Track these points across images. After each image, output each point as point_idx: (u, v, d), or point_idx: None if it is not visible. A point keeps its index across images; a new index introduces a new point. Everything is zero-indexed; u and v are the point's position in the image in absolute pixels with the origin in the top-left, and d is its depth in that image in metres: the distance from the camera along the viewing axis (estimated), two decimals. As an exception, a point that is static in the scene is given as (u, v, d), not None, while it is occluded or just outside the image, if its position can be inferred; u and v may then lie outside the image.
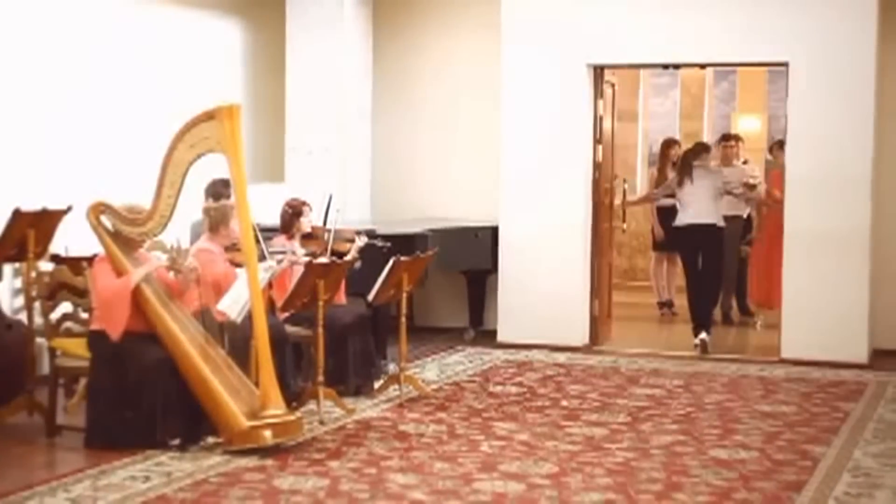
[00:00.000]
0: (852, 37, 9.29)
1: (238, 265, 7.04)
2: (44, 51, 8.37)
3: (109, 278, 6.58)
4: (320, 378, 7.17)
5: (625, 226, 12.55)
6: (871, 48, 9.32)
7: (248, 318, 6.66)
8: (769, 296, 11.09)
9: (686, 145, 12.49)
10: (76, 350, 6.87)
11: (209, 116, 6.51)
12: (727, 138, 11.81)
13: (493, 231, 10.27)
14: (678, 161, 10.74)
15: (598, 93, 10.15)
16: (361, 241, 8.21)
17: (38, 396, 6.98)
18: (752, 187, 10.74)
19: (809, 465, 6.31)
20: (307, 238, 8.10)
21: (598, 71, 10.14)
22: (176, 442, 6.42)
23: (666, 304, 12.11)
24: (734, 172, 10.91)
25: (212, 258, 7.10)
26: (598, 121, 10.18)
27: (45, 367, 7.26)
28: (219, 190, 7.43)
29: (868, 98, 9.32)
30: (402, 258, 7.68)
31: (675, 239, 10.69)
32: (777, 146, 11.56)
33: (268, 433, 6.35)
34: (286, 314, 7.50)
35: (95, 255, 6.81)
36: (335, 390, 7.43)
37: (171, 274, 6.79)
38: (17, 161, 8.08)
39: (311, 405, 7.19)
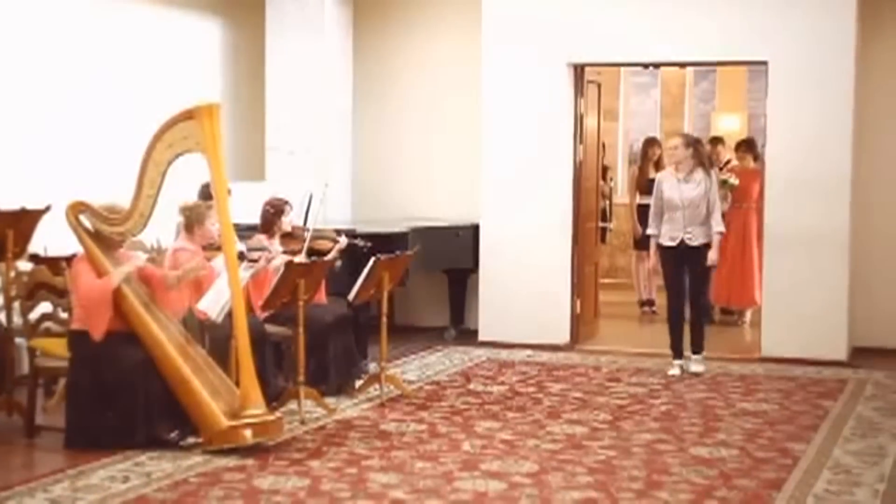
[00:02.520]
0: (831, 36, 9.32)
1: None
2: (21, 51, 8.34)
3: (90, 279, 6.55)
4: (301, 377, 7.16)
5: (611, 225, 12.62)
6: (850, 47, 9.35)
7: (228, 317, 6.65)
8: (738, 296, 11.10)
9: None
10: (56, 350, 6.84)
11: (188, 116, 6.48)
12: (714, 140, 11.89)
13: (475, 230, 10.27)
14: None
15: (579, 91, 10.16)
16: (343, 243, 8.20)
17: (18, 396, 6.96)
18: (724, 182, 10.73)
19: (789, 463, 6.33)
20: (286, 237, 8.09)
21: (579, 70, 10.14)
22: (174, 435, 6.42)
23: (647, 303, 12.13)
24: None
25: (190, 258, 7.07)
26: (579, 119, 10.18)
27: (24, 368, 7.22)
28: (209, 192, 7.40)
29: (847, 97, 9.36)
30: (383, 257, 7.68)
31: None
32: (744, 147, 11.40)
33: (248, 433, 6.33)
34: (266, 313, 7.48)
35: (75, 255, 6.78)
36: (316, 390, 7.42)
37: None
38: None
39: (292, 405, 7.18)
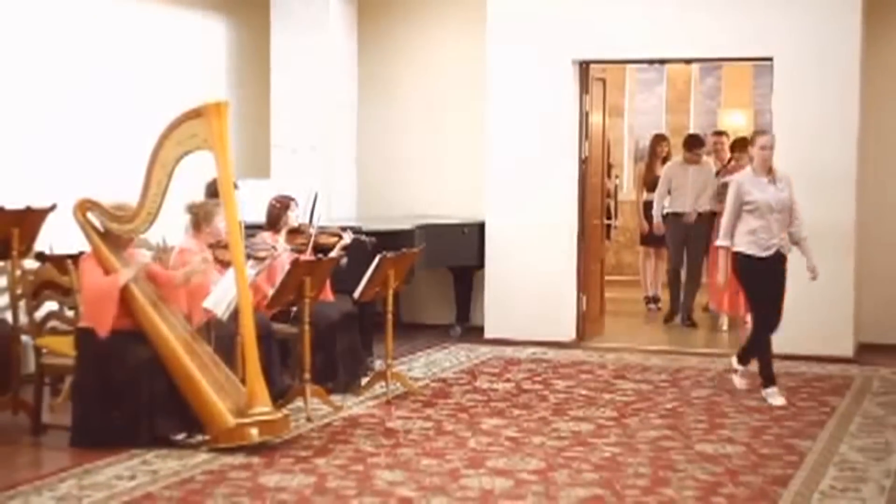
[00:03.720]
0: (837, 32, 9.31)
1: (221, 262, 7.05)
2: (27, 49, 8.34)
3: (97, 276, 6.56)
4: (307, 375, 7.16)
5: (616, 222, 12.61)
6: (856, 44, 9.34)
7: (234, 314, 6.65)
8: (733, 302, 10.65)
9: (674, 141, 12.55)
10: (62, 348, 6.85)
11: (196, 114, 6.48)
12: (719, 134, 11.82)
13: (480, 227, 10.27)
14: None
15: (584, 89, 10.16)
16: (347, 239, 8.21)
17: (24, 395, 6.96)
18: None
19: (795, 460, 6.32)
20: (292, 233, 8.10)
21: (584, 67, 10.14)
22: (181, 436, 6.44)
23: (653, 300, 12.13)
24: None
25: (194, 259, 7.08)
26: (584, 117, 10.18)
27: (30, 366, 7.23)
28: (215, 190, 7.40)
29: (853, 93, 9.35)
30: (389, 255, 7.68)
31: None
32: (742, 144, 10.80)
33: (254, 431, 6.34)
34: (273, 311, 7.49)
35: (81, 253, 6.79)
36: (323, 387, 7.43)
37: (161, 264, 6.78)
38: (0, 159, 8.05)
39: (298, 402, 7.18)
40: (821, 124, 9.36)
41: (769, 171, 7.80)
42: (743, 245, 7.78)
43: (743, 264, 7.82)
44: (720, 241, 7.95)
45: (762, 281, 7.81)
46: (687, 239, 11.12)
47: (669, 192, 11.26)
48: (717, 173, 11.13)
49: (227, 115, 6.49)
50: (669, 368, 9.01)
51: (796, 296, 9.34)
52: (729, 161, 11.48)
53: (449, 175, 10.91)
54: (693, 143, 11.39)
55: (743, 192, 7.76)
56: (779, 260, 7.82)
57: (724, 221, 7.88)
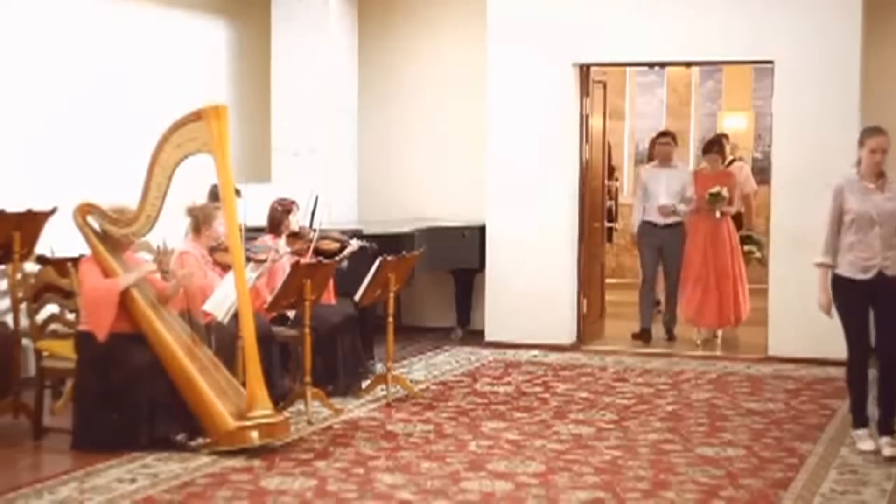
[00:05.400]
0: (838, 35, 9.31)
1: (221, 265, 7.05)
2: (27, 52, 8.35)
3: (97, 279, 6.56)
4: (307, 378, 7.16)
5: (617, 225, 12.56)
6: (857, 46, 9.34)
7: (235, 317, 6.66)
8: (710, 315, 10.20)
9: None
10: (62, 351, 6.86)
11: (196, 117, 6.50)
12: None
13: (481, 230, 10.27)
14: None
15: (584, 91, 10.16)
16: (354, 246, 8.22)
17: (25, 398, 6.96)
18: (717, 195, 10.06)
19: (796, 463, 6.33)
20: (293, 236, 8.10)
21: (584, 70, 10.15)
22: (181, 437, 6.44)
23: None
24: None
25: (196, 261, 7.08)
26: (584, 119, 10.19)
27: (31, 369, 7.23)
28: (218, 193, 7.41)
29: (853, 95, 9.35)
30: (389, 258, 7.68)
31: None
32: (715, 148, 10.52)
33: (255, 434, 6.34)
34: (273, 314, 7.49)
35: (82, 256, 6.79)
36: (324, 390, 7.43)
37: (159, 275, 6.78)
38: (1, 162, 8.05)
39: (299, 405, 7.18)
40: (821, 126, 9.36)
41: (879, 175, 6.58)
42: (838, 264, 6.65)
43: (836, 287, 6.64)
44: (818, 259, 6.71)
45: (859, 307, 6.60)
46: (662, 248, 10.45)
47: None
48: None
49: (227, 119, 6.50)
50: (669, 371, 9.01)
51: (796, 299, 9.38)
52: (731, 161, 11.33)
53: (449, 177, 10.92)
54: (659, 136, 10.95)
55: (839, 200, 6.60)
56: (881, 283, 6.54)
57: (824, 234, 6.69)
